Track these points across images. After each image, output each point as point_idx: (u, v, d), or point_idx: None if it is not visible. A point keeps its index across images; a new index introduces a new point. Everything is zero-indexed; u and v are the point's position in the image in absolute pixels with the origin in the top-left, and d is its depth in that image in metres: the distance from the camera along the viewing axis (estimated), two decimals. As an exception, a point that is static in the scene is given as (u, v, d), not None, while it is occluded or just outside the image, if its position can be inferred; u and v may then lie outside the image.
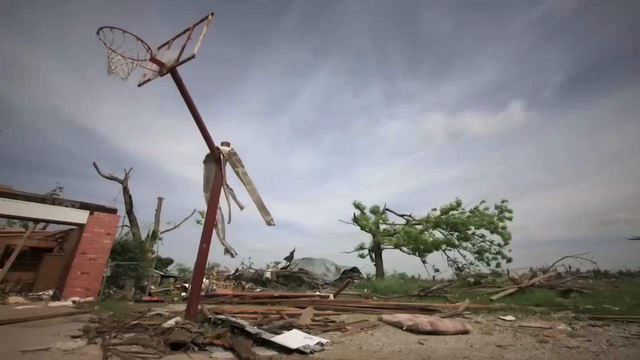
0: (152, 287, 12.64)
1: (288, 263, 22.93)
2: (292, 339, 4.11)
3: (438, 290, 11.97)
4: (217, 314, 5.30)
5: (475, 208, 20.28)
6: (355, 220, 22.57)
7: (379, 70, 68.34)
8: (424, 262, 21.02)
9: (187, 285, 12.95)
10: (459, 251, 20.58)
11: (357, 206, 23.08)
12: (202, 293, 10.10)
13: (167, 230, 20.62)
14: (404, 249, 21.12)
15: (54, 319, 5.77)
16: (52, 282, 10.95)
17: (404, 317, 5.84)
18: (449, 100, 67.06)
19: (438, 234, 20.98)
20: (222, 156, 6.27)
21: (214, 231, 5.96)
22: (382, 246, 21.41)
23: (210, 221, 5.99)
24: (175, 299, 10.78)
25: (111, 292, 10.75)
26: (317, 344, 4.07)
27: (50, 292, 9.89)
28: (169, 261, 22.99)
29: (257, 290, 15.52)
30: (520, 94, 62.38)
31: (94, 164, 18.24)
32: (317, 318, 6.18)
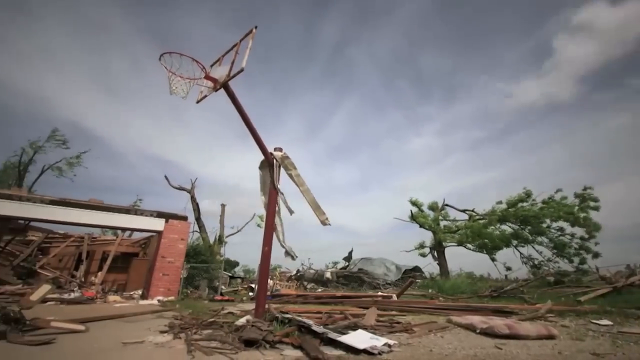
0: (223, 287, 13.61)
1: (347, 263, 22.94)
2: (359, 339, 4.09)
3: (512, 290, 10.98)
4: (284, 313, 5.49)
5: (549, 198, 18.16)
6: (413, 218, 21.71)
7: (395, 101, 78.00)
8: (493, 259, 19.39)
9: (253, 285, 13.69)
10: (533, 247, 18.62)
11: (414, 203, 22.18)
12: (268, 293, 10.59)
13: (231, 235, 22.02)
14: (469, 245, 19.75)
15: (144, 316, 6.51)
16: (140, 282, 12.40)
17: (476, 319, 5.46)
18: (464, 117, 71.30)
19: (507, 228, 19.26)
20: (275, 161, 6.49)
21: (274, 234, 6.19)
22: (444, 244, 20.31)
23: (270, 224, 6.22)
24: (244, 298, 11.46)
25: (188, 292, 11.81)
26: (385, 345, 4.00)
27: (139, 292, 11.21)
28: (236, 263, 24.54)
29: (319, 290, 15.79)
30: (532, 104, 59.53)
31: (165, 177, 20.27)
32: (381, 319, 6.08)
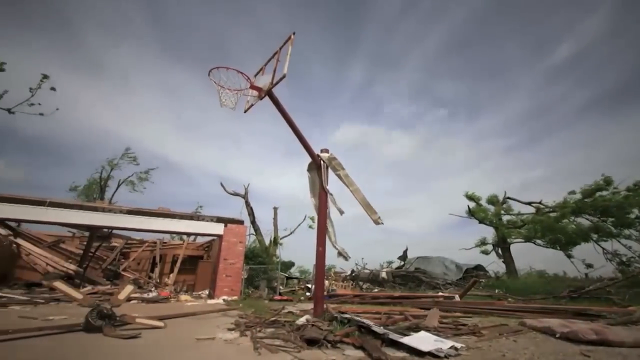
0: (280, 287, 14.10)
1: (402, 262, 22.30)
2: (423, 341, 3.94)
3: (596, 290, 9.75)
4: (342, 313, 5.50)
5: (635, 185, 15.75)
6: (471, 213, 20.40)
7: (422, 122, 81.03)
8: (569, 256, 17.37)
9: (309, 285, 13.95)
10: (619, 241, 16.28)
11: (471, 197, 20.82)
12: (324, 293, 10.72)
13: (285, 237, 22.72)
14: (539, 241, 17.98)
15: (212, 314, 7.00)
16: (206, 283, 13.36)
17: (555, 323, 4.94)
18: (493, 127, 71.44)
19: (584, 221, 17.12)
20: (322, 162, 6.53)
21: (326, 235, 6.23)
22: (508, 240, 18.75)
23: (322, 225, 6.28)
24: (302, 298, 11.74)
25: (249, 292, 12.43)
26: (451, 348, 3.80)
27: (207, 292, 12.08)
28: (291, 264, 25.20)
29: (375, 290, 15.58)
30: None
31: (221, 184, 21.62)
32: (444, 320, 5.79)
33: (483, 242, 20.27)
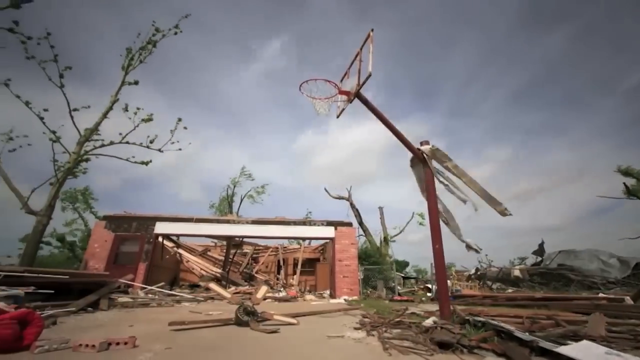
0: (398, 287, 13.83)
1: (539, 258, 19.02)
2: (588, 352, 3.24)
3: None
4: (474, 315, 5.02)
5: None
6: (630, 192, 16.00)
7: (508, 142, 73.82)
8: None
9: (429, 285, 13.27)
10: None
11: (627, 172, 16.36)
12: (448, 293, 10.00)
13: (395, 235, 22.27)
14: None
15: (335, 313, 7.34)
16: (325, 283, 14.16)
17: None
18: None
19: None
20: (425, 155, 6.14)
21: (449, 230, 5.81)
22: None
23: (435, 221, 5.89)
24: (423, 299, 11.23)
25: (367, 292, 12.59)
26: (633, 363, 3.01)
27: (328, 292, 12.78)
28: (405, 263, 24.54)
29: (508, 290, 13.72)
30: None
31: (325, 189, 22.68)
32: (613, 328, 4.65)
33: (658, 228, 15.60)
